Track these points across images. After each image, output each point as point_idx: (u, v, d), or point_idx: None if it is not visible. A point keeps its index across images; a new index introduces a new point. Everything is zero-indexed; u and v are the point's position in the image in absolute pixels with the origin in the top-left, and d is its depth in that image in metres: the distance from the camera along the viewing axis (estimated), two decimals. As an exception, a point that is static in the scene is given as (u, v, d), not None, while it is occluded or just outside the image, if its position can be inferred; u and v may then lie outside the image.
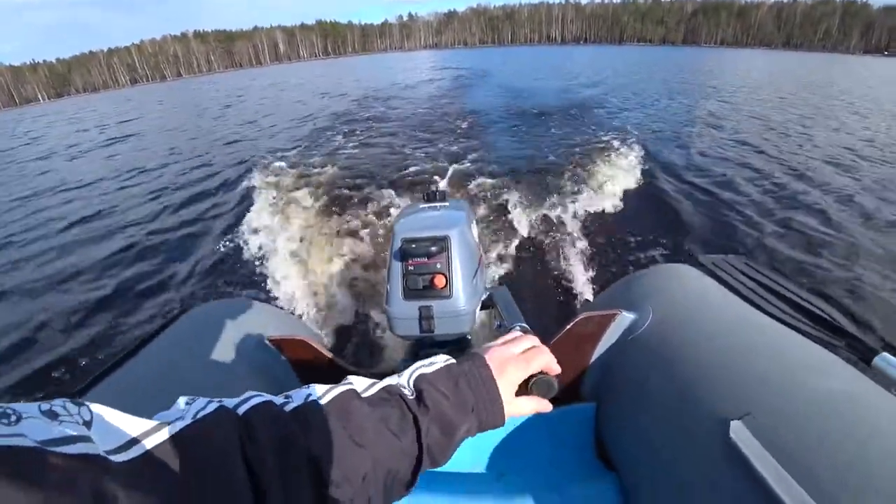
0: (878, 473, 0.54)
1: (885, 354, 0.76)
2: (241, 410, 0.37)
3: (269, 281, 3.37)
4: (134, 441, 0.30)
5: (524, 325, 0.73)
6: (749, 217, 4.26)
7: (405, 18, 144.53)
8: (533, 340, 0.59)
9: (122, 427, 0.30)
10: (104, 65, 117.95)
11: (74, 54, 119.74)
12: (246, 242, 4.00)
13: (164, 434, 0.31)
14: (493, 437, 1.10)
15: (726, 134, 7.77)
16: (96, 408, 0.30)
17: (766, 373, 0.74)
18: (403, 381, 0.48)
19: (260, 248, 3.85)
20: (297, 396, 0.42)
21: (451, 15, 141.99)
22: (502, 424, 0.51)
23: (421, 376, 0.48)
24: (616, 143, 6.37)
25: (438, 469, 0.50)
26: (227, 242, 4.14)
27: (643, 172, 5.33)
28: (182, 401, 0.36)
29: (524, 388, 0.55)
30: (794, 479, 0.58)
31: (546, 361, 0.56)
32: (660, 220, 4.30)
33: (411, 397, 0.45)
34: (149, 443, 0.30)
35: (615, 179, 4.96)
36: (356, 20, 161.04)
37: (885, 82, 19.34)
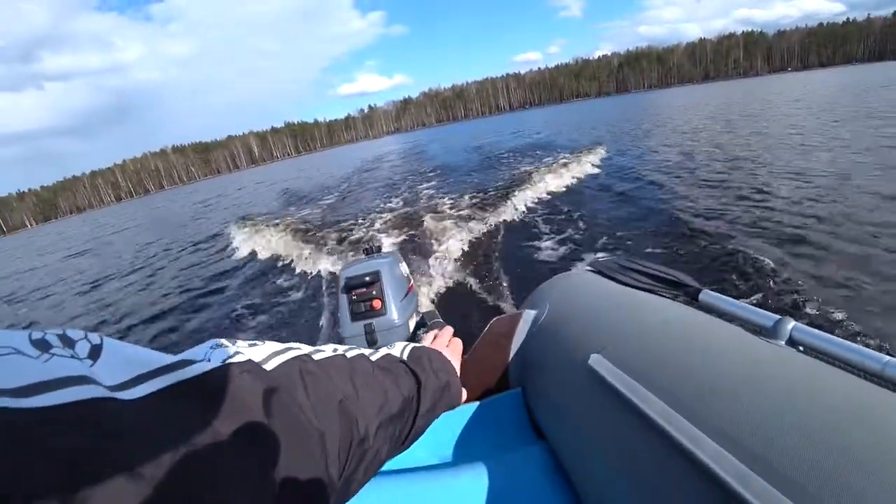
0: (702, 374, 0.70)
1: (707, 290, 1.01)
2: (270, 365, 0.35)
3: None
4: (150, 375, 0.26)
5: (439, 320, 1.07)
6: (637, 223, 5.29)
7: (366, 111, 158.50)
8: (450, 331, 0.83)
9: (137, 359, 0.27)
10: (88, 186, 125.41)
11: (58, 180, 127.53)
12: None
13: (191, 371, 0.28)
14: (442, 431, 1.31)
15: (641, 157, 10.06)
16: (108, 340, 0.26)
17: (619, 319, 0.98)
18: (396, 352, 0.54)
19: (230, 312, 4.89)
20: (326, 349, 0.43)
21: (407, 101, 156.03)
22: (460, 403, 0.64)
23: (415, 348, 0.56)
24: (539, 169, 9.05)
25: (388, 468, 0.65)
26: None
27: (556, 195, 7.14)
28: (208, 344, 0.33)
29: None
30: (641, 385, 0.74)
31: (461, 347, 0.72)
32: (568, 233, 5.34)
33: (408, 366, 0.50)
34: (169, 379, 0.27)
35: (527, 199, 6.88)
36: (321, 117, 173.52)
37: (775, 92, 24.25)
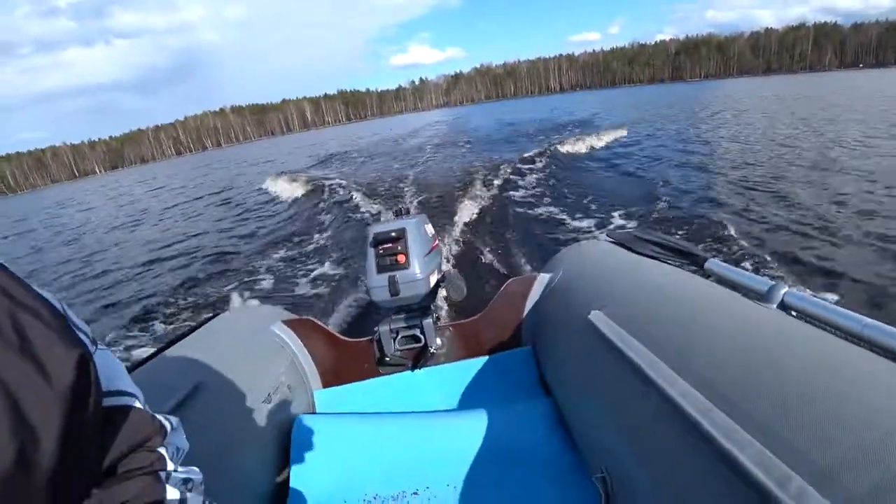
0: (692, 331, 0.76)
1: (712, 259, 1.06)
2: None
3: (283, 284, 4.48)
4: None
5: (459, 280, 1.48)
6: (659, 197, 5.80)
7: (417, 83, 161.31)
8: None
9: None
10: (152, 139, 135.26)
11: (125, 132, 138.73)
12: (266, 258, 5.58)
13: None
14: (453, 382, 1.42)
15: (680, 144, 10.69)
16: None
17: (623, 281, 1.06)
18: None
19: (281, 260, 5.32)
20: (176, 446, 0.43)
21: (457, 77, 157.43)
22: None
23: None
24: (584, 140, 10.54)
25: (407, 410, 0.87)
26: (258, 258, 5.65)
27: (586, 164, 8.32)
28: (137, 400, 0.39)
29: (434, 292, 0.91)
30: (636, 339, 0.79)
31: None
32: (591, 202, 5.79)
33: None
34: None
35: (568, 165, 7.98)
36: (373, 87, 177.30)
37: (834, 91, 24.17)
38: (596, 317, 0.96)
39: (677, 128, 14.48)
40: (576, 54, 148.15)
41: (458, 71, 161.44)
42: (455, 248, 4.51)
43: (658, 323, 0.84)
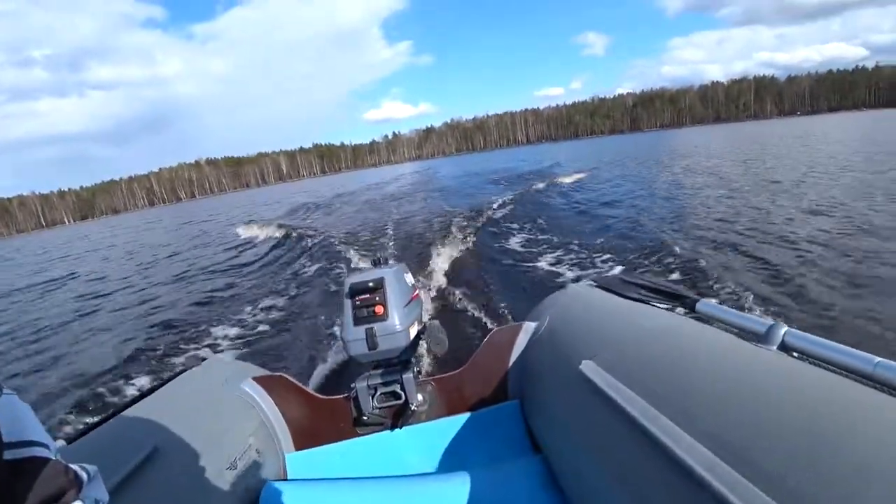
0: (692, 379, 0.71)
1: (704, 300, 1.01)
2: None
3: (248, 340, 4.23)
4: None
5: (441, 332, 1.39)
6: (635, 236, 5.77)
7: (390, 137, 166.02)
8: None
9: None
10: (125, 190, 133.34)
11: (96, 182, 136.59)
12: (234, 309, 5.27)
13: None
14: (436, 441, 1.32)
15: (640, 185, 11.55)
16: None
17: (613, 328, 1.01)
18: None
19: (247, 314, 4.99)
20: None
21: (429, 131, 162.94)
22: None
23: None
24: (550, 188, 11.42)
25: (387, 474, 0.72)
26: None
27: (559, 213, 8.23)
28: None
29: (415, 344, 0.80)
30: (632, 390, 0.75)
31: None
32: (568, 245, 5.74)
33: None
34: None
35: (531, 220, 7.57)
36: (347, 140, 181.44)
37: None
38: (588, 367, 0.91)
39: (639, 172, 15.66)
40: (541, 108, 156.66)
41: (429, 125, 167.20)
42: (434, 298, 4.40)
43: (655, 372, 0.80)
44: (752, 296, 3.54)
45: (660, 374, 0.78)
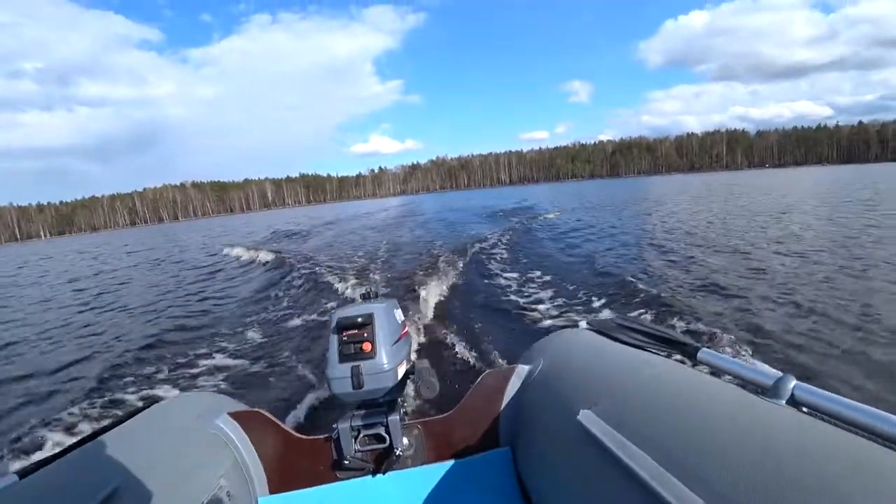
0: (696, 432, 0.68)
1: (705, 349, 0.97)
2: None
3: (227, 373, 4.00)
4: None
5: (430, 374, 1.30)
6: (629, 281, 5.66)
7: (376, 171, 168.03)
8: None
9: None
10: (107, 207, 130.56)
11: (77, 198, 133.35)
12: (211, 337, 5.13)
13: None
14: (422, 489, 1.26)
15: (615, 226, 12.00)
16: None
17: (612, 376, 0.96)
18: None
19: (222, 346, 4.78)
20: None
21: (414, 167, 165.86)
22: None
23: None
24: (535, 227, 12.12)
25: None
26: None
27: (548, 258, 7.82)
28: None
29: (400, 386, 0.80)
30: (632, 443, 0.71)
31: None
32: (560, 285, 5.75)
33: None
34: None
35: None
36: (334, 172, 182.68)
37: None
38: (586, 417, 0.88)
39: (620, 214, 16.39)
40: (524, 151, 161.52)
41: (415, 162, 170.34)
42: (423, 336, 4.23)
43: (658, 425, 0.77)
44: (749, 347, 3.43)
45: (664, 428, 0.75)
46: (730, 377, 0.88)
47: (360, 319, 1.25)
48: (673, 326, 3.97)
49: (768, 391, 0.76)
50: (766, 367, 0.93)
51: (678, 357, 1.05)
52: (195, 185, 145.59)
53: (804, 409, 0.70)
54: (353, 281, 6.93)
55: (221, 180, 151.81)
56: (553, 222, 13.96)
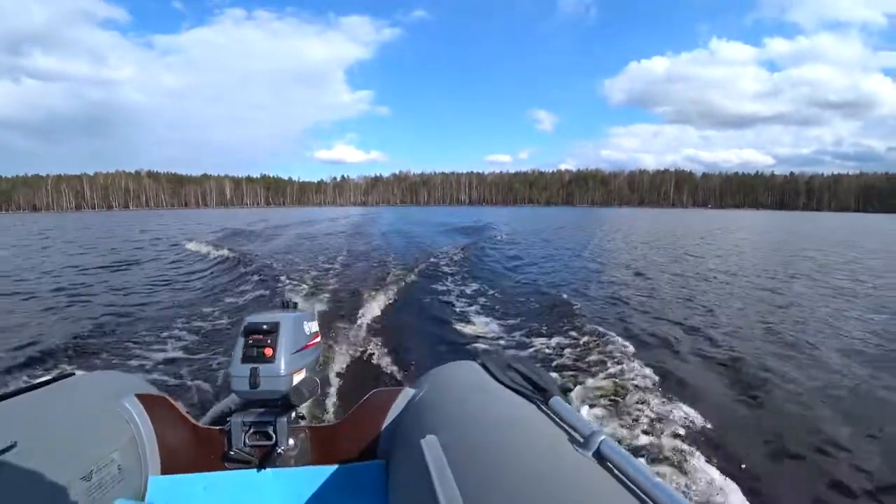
0: (508, 471, 0.75)
1: (557, 397, 1.05)
2: None
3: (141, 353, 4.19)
4: None
5: (314, 384, 1.38)
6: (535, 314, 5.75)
7: (339, 179, 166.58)
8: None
9: None
10: (51, 188, 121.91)
11: (19, 174, 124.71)
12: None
13: None
14: (300, 487, 1.33)
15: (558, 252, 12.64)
16: None
17: (466, 407, 1.07)
18: None
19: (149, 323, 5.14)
20: None
21: (377, 179, 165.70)
22: None
23: None
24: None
25: None
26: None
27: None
28: None
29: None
30: (450, 472, 0.78)
31: None
32: (498, 309, 5.93)
33: None
34: None
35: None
36: (295, 176, 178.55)
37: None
38: (428, 442, 0.95)
39: (574, 240, 17.30)
40: (485, 173, 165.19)
41: (378, 173, 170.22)
42: (345, 347, 4.33)
43: (480, 460, 0.84)
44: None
45: (483, 464, 0.81)
46: (566, 424, 0.96)
47: (265, 326, 1.36)
48: (552, 368, 3.90)
49: (582, 443, 0.83)
50: (588, 421, 0.95)
51: (540, 399, 1.11)
52: (151, 174, 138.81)
53: (608, 464, 0.76)
54: (292, 283, 7.04)
55: (179, 173, 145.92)
56: (503, 244, 14.38)
